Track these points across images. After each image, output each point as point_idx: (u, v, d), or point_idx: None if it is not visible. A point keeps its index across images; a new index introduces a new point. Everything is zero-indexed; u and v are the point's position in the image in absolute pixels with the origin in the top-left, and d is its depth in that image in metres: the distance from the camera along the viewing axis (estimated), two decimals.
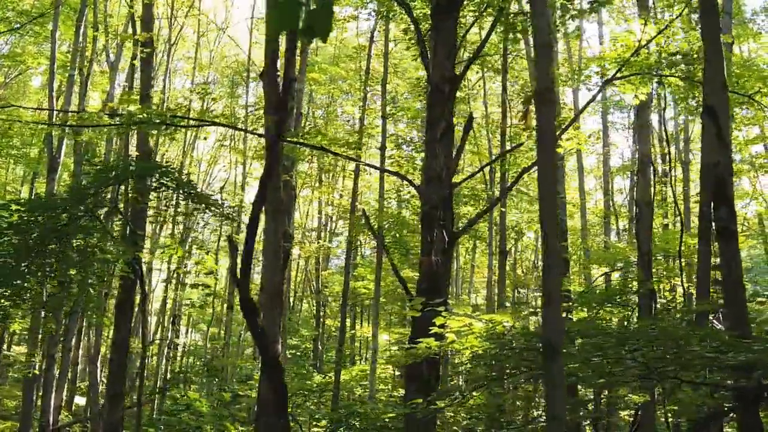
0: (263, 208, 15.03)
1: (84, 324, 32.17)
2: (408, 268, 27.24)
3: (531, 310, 13.98)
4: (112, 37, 28.63)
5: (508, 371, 10.86)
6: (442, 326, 11.49)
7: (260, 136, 17.44)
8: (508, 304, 26.11)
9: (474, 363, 11.28)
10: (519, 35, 18.45)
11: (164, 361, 34.68)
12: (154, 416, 23.66)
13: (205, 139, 30.51)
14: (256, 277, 25.55)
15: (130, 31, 24.06)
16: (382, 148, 25.77)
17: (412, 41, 19.93)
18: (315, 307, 39.54)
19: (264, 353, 13.66)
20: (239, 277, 12.58)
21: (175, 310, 36.88)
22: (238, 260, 12.73)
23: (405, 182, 27.23)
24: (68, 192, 15.95)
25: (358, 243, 31.81)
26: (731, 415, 10.73)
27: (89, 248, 14.51)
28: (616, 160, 47.00)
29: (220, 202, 15.65)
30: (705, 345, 8.47)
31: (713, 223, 10.61)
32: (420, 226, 16.35)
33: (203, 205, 14.76)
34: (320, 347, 37.74)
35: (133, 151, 23.45)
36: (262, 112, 30.90)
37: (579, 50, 33.20)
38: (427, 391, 14.97)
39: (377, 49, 29.81)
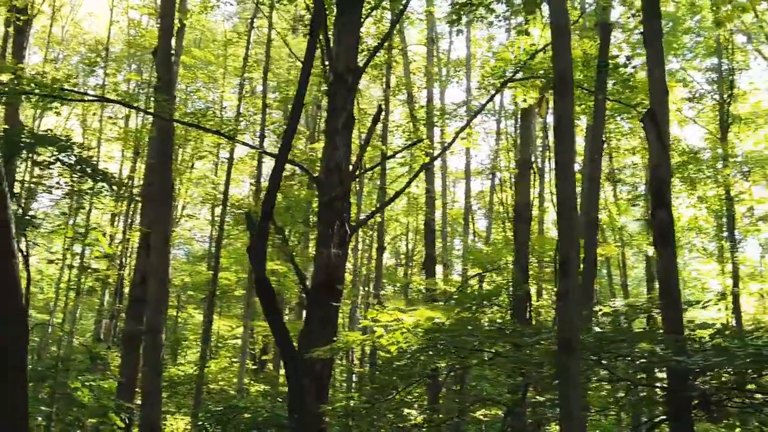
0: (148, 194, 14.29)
1: None
2: (280, 258, 26.60)
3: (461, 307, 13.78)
4: None
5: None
6: (374, 320, 11.19)
7: (153, 115, 16.58)
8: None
9: (413, 358, 10.99)
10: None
11: None
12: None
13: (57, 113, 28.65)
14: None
15: None
16: (261, 137, 25.21)
17: (307, 27, 19.42)
18: None
19: (283, 343, 13.34)
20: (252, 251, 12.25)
21: None
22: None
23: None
24: None
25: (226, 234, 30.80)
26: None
27: None
28: (474, 164, 47.61)
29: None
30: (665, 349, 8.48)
31: (655, 227, 10.65)
32: (317, 217, 15.96)
33: (106, 184, 13.89)
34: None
35: None
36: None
37: (449, 51, 33.47)
38: (319, 387, 14.62)
39: (258, 35, 29.15)
